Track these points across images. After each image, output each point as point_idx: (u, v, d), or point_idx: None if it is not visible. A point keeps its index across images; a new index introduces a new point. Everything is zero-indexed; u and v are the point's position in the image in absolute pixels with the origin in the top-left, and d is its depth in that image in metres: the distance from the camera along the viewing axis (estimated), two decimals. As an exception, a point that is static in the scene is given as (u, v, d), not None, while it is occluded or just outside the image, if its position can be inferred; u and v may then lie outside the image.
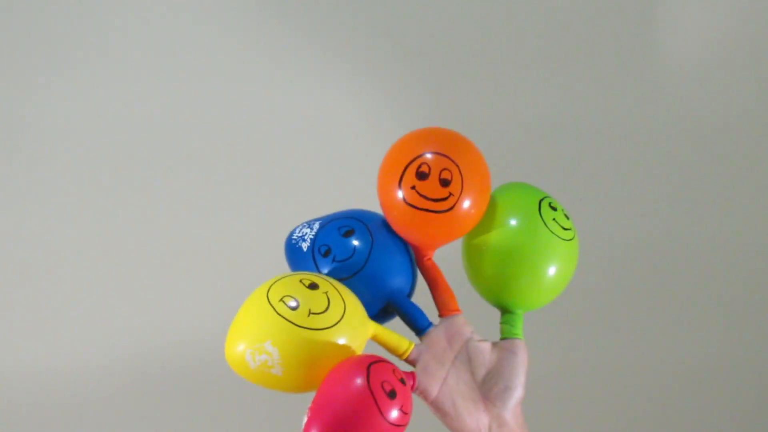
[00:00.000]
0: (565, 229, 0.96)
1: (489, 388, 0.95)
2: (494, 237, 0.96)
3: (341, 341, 0.90)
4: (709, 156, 1.89)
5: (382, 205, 0.99)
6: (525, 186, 1.00)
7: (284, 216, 1.78)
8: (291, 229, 1.02)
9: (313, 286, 0.91)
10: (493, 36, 1.83)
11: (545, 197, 0.98)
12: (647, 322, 1.92)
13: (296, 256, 0.99)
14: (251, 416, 1.83)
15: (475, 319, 1.01)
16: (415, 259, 1.01)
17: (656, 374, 1.93)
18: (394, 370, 0.90)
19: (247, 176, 1.80)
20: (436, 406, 0.95)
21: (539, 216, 0.95)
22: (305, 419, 0.86)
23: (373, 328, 0.95)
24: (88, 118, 1.75)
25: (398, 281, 0.99)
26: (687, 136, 1.88)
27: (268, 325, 0.88)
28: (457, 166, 0.96)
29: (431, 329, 0.98)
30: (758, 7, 1.86)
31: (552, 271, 0.95)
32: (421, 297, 1.02)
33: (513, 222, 0.96)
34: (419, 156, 0.96)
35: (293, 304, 0.89)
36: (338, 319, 0.90)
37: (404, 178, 0.96)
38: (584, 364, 1.90)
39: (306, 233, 0.99)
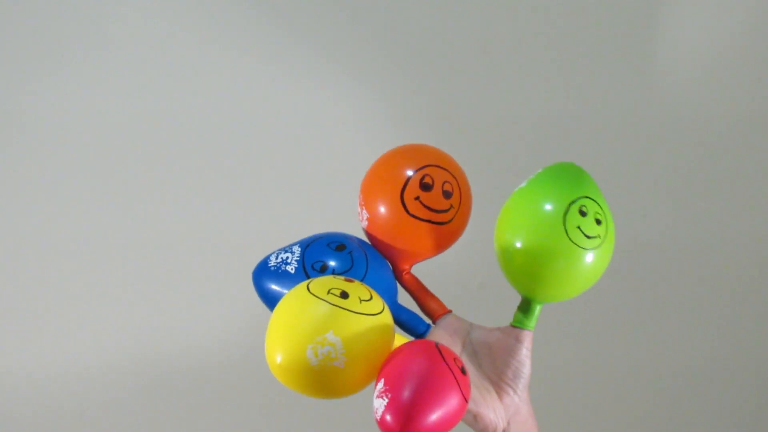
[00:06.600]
0: (589, 237, 0.94)
1: (499, 377, 0.96)
2: (520, 233, 0.95)
3: (392, 327, 0.89)
4: (710, 156, 1.90)
5: (373, 215, 0.98)
6: (566, 178, 0.98)
7: (284, 218, 1.78)
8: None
9: (348, 280, 0.90)
10: (491, 36, 1.83)
11: (577, 200, 0.96)
12: (649, 324, 1.92)
13: (282, 280, 0.96)
14: (253, 419, 1.83)
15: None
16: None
17: (657, 375, 1.93)
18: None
19: (246, 179, 1.80)
20: None
21: (563, 224, 0.94)
22: (383, 402, 0.83)
23: None
24: (88, 118, 1.75)
25: (392, 291, 0.99)
26: (688, 137, 1.88)
27: (326, 317, 0.85)
28: (456, 179, 0.98)
29: (431, 331, 0.98)
30: (760, 9, 1.87)
31: (570, 276, 0.95)
32: (412, 304, 1.02)
33: (536, 223, 0.94)
34: (422, 167, 0.97)
35: (343, 293, 0.87)
36: (383, 306, 0.89)
37: (407, 189, 0.96)
38: (586, 364, 1.91)
39: (287, 257, 0.97)
